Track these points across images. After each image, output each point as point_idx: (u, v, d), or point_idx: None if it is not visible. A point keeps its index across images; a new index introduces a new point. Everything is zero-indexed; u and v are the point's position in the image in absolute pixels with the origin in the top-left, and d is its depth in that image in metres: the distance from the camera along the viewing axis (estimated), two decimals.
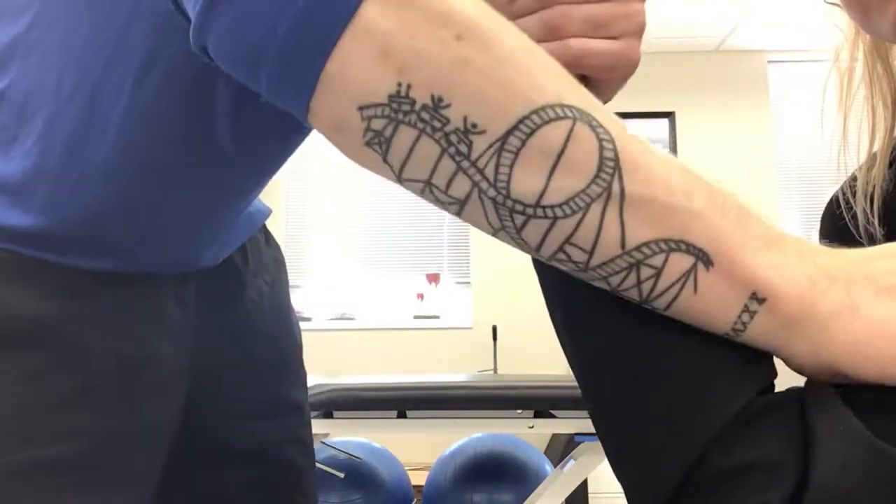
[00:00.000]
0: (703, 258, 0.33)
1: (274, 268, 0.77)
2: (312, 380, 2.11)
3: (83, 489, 0.54)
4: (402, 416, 1.98)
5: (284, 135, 0.64)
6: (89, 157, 0.53)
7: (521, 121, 0.33)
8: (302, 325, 0.83)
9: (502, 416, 1.97)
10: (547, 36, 0.43)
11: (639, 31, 0.44)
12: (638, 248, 0.33)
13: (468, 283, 4.15)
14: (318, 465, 2.37)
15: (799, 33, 3.88)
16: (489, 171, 0.33)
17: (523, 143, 0.33)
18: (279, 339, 0.76)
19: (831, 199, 0.58)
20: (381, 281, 4.20)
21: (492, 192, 0.33)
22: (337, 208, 4.25)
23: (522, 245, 0.35)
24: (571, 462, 2.01)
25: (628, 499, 0.36)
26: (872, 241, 0.53)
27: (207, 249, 0.66)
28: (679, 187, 0.33)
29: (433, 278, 4.18)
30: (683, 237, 0.33)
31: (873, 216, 0.53)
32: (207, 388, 0.67)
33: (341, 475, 2.27)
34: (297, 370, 0.78)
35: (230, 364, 0.69)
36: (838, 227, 0.55)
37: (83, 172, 0.53)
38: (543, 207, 0.33)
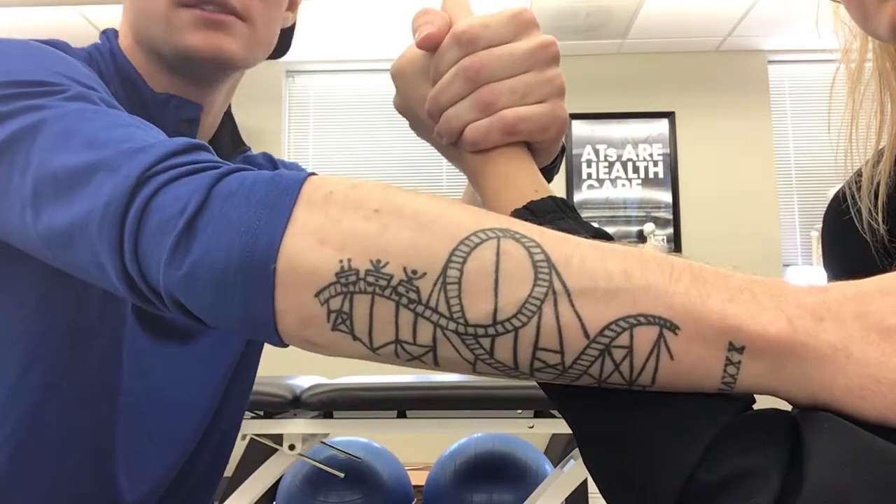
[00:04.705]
0: (667, 324, 0.34)
1: None
2: (312, 380, 2.11)
3: None
4: (401, 415, 1.98)
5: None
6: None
7: (452, 254, 0.36)
8: None
9: (502, 416, 1.98)
10: (481, 113, 0.48)
11: (560, 93, 0.50)
12: (602, 333, 0.35)
13: None
14: (318, 465, 2.37)
15: (799, 33, 3.89)
16: (442, 308, 0.36)
17: (461, 271, 0.36)
18: None
19: (836, 194, 0.58)
20: None
21: (452, 326, 0.36)
22: None
23: (500, 368, 0.37)
24: (571, 462, 2.01)
25: None
26: (875, 237, 0.53)
27: None
28: (616, 269, 0.35)
29: None
30: (639, 311, 0.34)
31: (877, 212, 0.53)
32: None
33: (341, 475, 2.27)
34: None
35: None
36: (842, 223, 0.55)
37: None
38: (502, 323, 0.35)
